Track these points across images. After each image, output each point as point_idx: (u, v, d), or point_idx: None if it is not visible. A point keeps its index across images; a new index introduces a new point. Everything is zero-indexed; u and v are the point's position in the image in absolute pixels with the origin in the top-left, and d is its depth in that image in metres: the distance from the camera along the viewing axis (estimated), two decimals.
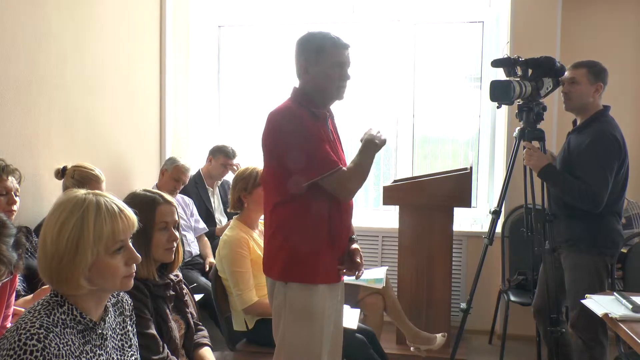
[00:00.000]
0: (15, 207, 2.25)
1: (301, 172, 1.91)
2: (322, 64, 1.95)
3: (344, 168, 1.94)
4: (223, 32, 4.41)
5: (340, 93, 2.01)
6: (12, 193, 2.23)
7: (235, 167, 3.92)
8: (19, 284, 2.16)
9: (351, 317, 2.57)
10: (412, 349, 3.19)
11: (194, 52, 4.26)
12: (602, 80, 2.67)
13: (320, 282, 1.97)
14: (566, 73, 2.75)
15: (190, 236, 3.58)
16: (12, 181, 2.23)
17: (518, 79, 2.74)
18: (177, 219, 1.89)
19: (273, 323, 2.07)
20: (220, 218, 3.93)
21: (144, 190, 1.93)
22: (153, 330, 1.75)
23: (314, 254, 1.96)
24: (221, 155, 3.89)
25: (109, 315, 1.42)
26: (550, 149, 3.09)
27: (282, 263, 1.98)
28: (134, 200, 1.80)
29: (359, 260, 2.07)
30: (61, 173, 2.72)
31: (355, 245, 2.12)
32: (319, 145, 1.91)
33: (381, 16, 4.08)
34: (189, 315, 1.98)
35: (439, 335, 3.16)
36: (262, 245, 2.31)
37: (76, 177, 2.69)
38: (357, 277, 2.07)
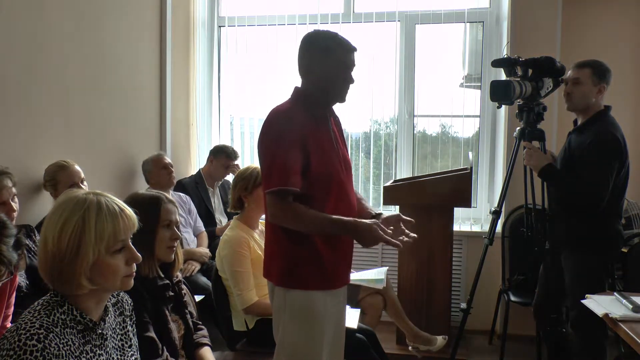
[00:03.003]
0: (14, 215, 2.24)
1: (264, 180, 1.91)
2: (328, 64, 1.93)
3: (290, 200, 1.83)
4: (223, 32, 4.41)
5: (343, 95, 2.00)
6: (9, 200, 2.22)
7: (236, 169, 3.93)
8: (22, 278, 2.15)
9: (351, 317, 2.56)
10: (410, 347, 3.19)
11: (194, 52, 4.26)
12: (605, 81, 2.66)
13: (319, 289, 1.94)
14: (569, 72, 2.74)
15: (189, 235, 3.58)
16: (10, 185, 2.23)
17: (518, 79, 2.74)
18: (178, 219, 1.90)
19: (273, 323, 2.06)
20: (221, 218, 3.93)
21: (146, 190, 1.96)
22: (152, 333, 1.75)
23: (313, 259, 1.93)
24: (223, 156, 3.88)
25: (109, 315, 1.42)
26: (551, 149, 3.09)
27: (281, 268, 1.96)
28: (137, 199, 1.82)
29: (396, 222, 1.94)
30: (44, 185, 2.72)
31: (384, 215, 2.00)
32: (284, 157, 1.83)
33: (381, 16, 4.09)
34: (188, 316, 1.98)
35: (440, 337, 3.16)
36: (263, 245, 2.31)
37: (47, 178, 2.68)
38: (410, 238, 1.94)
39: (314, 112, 1.97)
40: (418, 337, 3.17)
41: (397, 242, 1.81)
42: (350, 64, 1.97)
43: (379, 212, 2.08)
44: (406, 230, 1.97)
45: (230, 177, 3.85)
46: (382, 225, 1.83)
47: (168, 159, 3.55)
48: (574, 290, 2.61)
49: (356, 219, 1.86)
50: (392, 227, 1.93)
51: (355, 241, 1.96)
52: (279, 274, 1.97)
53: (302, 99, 1.98)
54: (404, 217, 1.99)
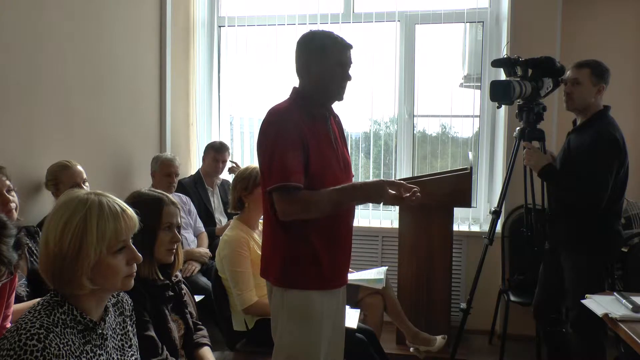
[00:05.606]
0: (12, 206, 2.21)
1: (265, 178, 1.91)
2: (324, 63, 1.93)
3: (295, 190, 1.81)
4: (223, 32, 4.41)
5: (341, 93, 2.00)
6: (5, 192, 2.19)
7: (233, 165, 3.96)
8: (22, 287, 2.14)
9: (351, 317, 2.56)
10: (411, 349, 3.18)
11: (194, 52, 4.26)
12: (604, 81, 2.66)
13: (317, 289, 1.93)
14: (568, 73, 2.74)
15: (189, 235, 3.58)
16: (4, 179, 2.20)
17: (518, 79, 2.75)
18: (179, 221, 1.90)
19: (272, 323, 2.06)
20: (220, 218, 3.94)
21: (149, 189, 1.94)
22: (152, 332, 1.75)
23: (311, 259, 1.92)
24: (210, 150, 3.92)
25: (109, 316, 1.42)
26: (550, 149, 3.09)
27: (279, 268, 1.95)
28: (139, 198, 1.82)
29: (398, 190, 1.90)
30: (45, 185, 2.71)
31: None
32: (285, 155, 1.83)
33: (381, 16, 4.09)
34: (188, 316, 1.98)
35: (439, 337, 3.15)
36: None
37: (49, 178, 2.67)
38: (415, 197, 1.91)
39: (312, 112, 1.96)
40: (417, 338, 3.17)
41: (405, 198, 1.81)
42: (347, 62, 1.97)
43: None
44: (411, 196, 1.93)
45: (231, 177, 3.86)
46: (389, 180, 1.85)
47: (176, 167, 3.51)
48: (574, 290, 2.62)
49: (363, 181, 1.88)
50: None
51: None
52: (277, 274, 1.97)
53: (300, 99, 1.98)
54: (407, 184, 1.94)
